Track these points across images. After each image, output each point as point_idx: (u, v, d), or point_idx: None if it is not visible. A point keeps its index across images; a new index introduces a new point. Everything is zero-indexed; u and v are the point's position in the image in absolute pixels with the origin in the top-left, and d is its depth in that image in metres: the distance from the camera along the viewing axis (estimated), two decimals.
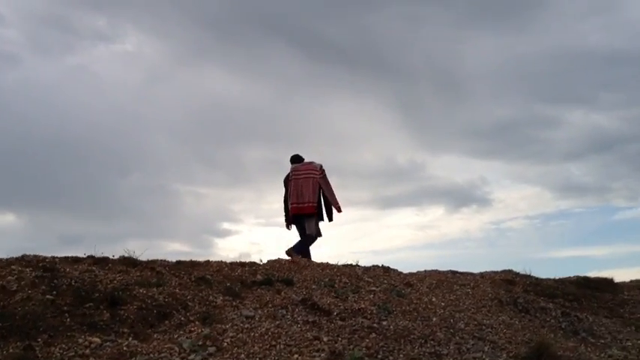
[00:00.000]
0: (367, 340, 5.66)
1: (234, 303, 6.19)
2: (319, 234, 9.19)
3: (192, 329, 5.38)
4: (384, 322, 6.18)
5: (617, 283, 10.76)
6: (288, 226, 9.40)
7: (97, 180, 26.94)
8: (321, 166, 9.23)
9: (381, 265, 8.93)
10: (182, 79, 35.48)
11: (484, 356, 5.74)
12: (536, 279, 9.86)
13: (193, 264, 7.21)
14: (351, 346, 5.46)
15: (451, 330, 6.42)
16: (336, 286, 7.30)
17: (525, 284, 9.32)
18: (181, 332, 5.31)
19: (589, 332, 7.49)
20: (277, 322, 5.79)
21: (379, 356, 5.40)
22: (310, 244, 9.15)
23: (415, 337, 5.96)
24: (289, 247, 8.93)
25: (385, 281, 7.90)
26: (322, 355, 5.18)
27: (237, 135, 35.97)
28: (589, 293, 9.63)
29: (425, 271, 9.61)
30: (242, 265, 7.61)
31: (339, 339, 5.61)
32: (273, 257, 8.47)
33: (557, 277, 10.33)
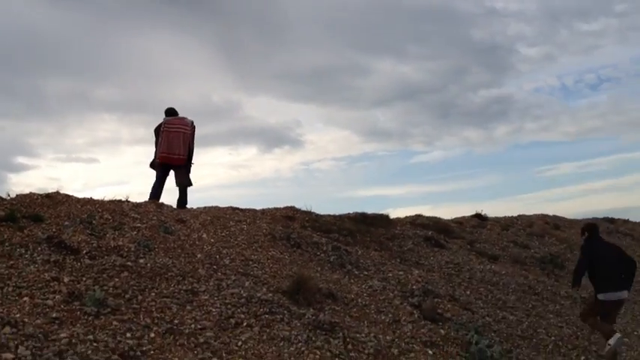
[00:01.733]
0: (116, 280, 5.27)
1: None
2: (190, 183, 9.65)
3: None
4: (141, 260, 5.81)
5: (392, 219, 11.47)
6: (152, 166, 9.73)
7: None
8: (193, 123, 9.73)
9: (154, 201, 8.50)
10: None
11: (242, 291, 5.65)
12: (316, 215, 10.10)
13: None
14: (96, 287, 5.03)
15: (214, 266, 6.26)
16: (94, 222, 6.74)
17: (304, 220, 9.50)
18: None
19: (355, 265, 7.81)
20: (11, 263, 5.15)
21: (127, 296, 5.05)
22: (185, 192, 9.63)
23: (173, 275, 5.69)
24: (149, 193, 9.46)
25: (155, 217, 7.49)
26: (58, 296, 4.70)
27: (40, 64, 32.49)
28: (364, 229, 10.11)
29: (204, 207, 9.38)
30: None
31: (84, 279, 5.15)
32: (76, 194, 7.82)
33: (337, 214, 10.71)
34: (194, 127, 9.74)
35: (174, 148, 9.40)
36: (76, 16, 34.16)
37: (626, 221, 18.81)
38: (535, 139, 53.73)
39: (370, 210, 11.22)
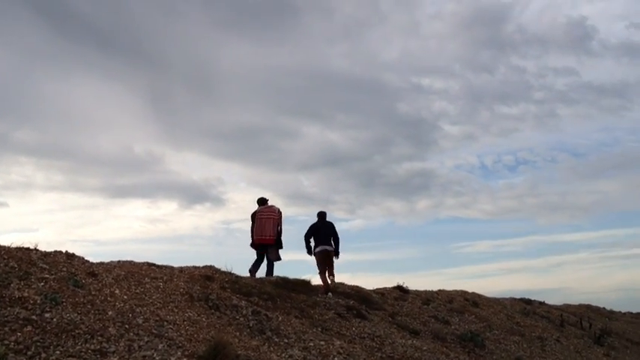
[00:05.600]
0: (19, 334, 5.04)
1: None
2: (279, 258, 12.13)
3: None
4: (47, 315, 5.59)
5: (314, 286, 11.49)
6: (252, 246, 12.23)
7: None
8: (279, 210, 12.57)
9: (65, 252, 8.20)
10: None
11: (155, 355, 5.50)
12: (236, 276, 10.04)
13: None
14: None
15: (126, 325, 6.08)
16: None
17: (223, 281, 9.40)
18: None
19: (275, 332, 7.75)
20: None
21: (29, 352, 4.84)
22: (272, 265, 12.08)
23: (81, 332, 5.50)
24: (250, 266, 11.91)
25: (65, 269, 7.24)
26: None
27: None
28: (285, 294, 10.08)
29: (118, 261, 9.13)
30: None
31: None
32: None
33: (257, 277, 10.66)
34: (280, 212, 12.51)
35: (265, 232, 12.07)
36: (1, 55, 33.41)
37: (542, 303, 19.51)
38: (454, 214, 55.61)
39: (290, 274, 11.36)
